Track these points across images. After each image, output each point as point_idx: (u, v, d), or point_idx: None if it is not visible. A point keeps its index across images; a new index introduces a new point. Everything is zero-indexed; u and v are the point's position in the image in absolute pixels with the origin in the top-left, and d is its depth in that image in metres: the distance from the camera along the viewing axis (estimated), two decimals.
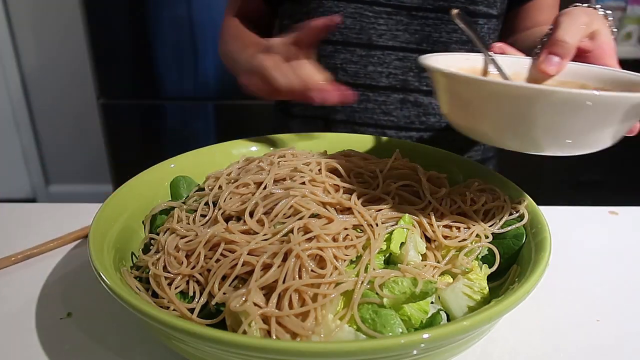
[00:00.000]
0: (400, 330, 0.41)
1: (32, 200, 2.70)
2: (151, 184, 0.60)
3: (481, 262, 0.50)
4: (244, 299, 0.41)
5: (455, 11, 0.59)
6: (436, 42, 0.84)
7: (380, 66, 0.85)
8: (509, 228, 0.52)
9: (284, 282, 0.43)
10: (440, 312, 0.45)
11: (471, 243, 0.50)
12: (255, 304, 0.41)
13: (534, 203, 0.54)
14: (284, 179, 0.54)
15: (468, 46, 0.84)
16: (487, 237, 0.51)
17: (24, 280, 0.60)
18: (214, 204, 0.53)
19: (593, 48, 0.57)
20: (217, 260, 0.46)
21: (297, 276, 0.43)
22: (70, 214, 0.74)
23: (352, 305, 0.42)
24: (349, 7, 0.82)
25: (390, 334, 0.41)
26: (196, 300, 0.45)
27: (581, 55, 0.57)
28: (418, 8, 0.81)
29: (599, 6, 0.61)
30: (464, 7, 0.81)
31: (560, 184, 2.17)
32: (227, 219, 0.51)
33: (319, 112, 0.92)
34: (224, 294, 0.44)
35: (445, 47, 0.84)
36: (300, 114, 0.96)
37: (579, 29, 0.55)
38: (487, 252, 0.51)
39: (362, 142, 0.71)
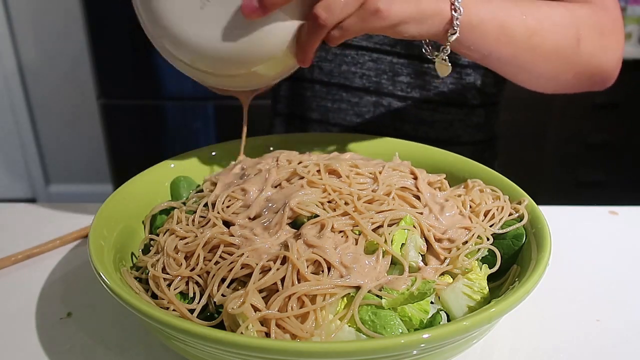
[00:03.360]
0: (401, 330, 0.41)
1: (32, 200, 2.70)
2: (151, 184, 0.60)
3: (481, 263, 0.50)
4: (241, 300, 0.41)
5: None
6: (410, 46, 0.82)
7: (354, 66, 0.85)
8: (509, 228, 0.52)
9: (282, 285, 0.43)
10: (440, 312, 0.45)
11: (472, 245, 0.50)
12: (253, 307, 0.41)
13: (534, 203, 0.54)
14: (286, 180, 0.54)
15: (446, 51, 0.80)
16: (488, 238, 0.51)
17: (24, 280, 0.60)
18: (213, 206, 0.53)
19: None
20: (216, 263, 0.46)
21: (295, 279, 0.43)
22: (70, 214, 0.74)
23: (352, 305, 0.42)
24: None
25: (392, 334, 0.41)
26: (196, 301, 0.45)
27: None
28: None
29: None
30: None
31: (560, 184, 2.18)
32: (227, 221, 0.51)
33: (297, 110, 0.91)
34: (223, 295, 0.44)
35: (420, 51, 0.79)
36: (281, 112, 0.95)
37: None
38: (487, 253, 0.51)
39: (363, 141, 0.71)
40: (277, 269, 0.43)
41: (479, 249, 0.49)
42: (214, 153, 0.67)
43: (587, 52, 0.62)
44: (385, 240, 0.46)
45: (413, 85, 0.85)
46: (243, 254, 0.45)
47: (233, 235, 0.47)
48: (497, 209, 0.54)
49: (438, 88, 0.83)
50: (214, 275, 0.45)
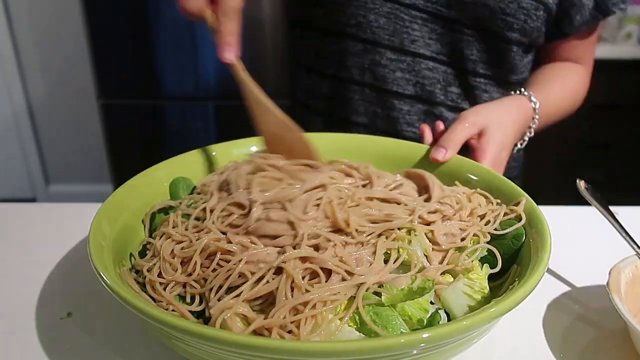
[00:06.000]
0: (402, 330, 0.41)
1: (32, 200, 2.70)
2: (151, 184, 0.60)
3: (481, 263, 0.50)
4: (227, 315, 0.42)
5: (582, 185, 0.64)
6: (467, 60, 0.83)
7: (409, 73, 0.84)
8: (510, 229, 0.52)
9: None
10: (439, 311, 0.45)
11: (471, 243, 0.50)
12: (243, 315, 0.42)
13: (534, 203, 0.54)
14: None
15: (496, 69, 0.83)
16: (485, 236, 0.51)
17: (24, 280, 0.60)
18: (211, 212, 0.52)
19: (476, 147, 0.69)
20: (214, 270, 0.46)
21: (289, 291, 0.43)
22: (70, 214, 0.74)
23: (355, 302, 0.42)
24: (385, 5, 0.80)
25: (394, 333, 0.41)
26: (195, 304, 0.45)
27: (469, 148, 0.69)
28: (454, 21, 0.80)
29: (531, 94, 0.78)
30: (501, 31, 0.79)
31: (560, 184, 2.17)
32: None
33: (340, 111, 0.91)
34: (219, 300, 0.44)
35: (475, 65, 0.83)
36: (322, 112, 0.94)
37: (464, 129, 0.67)
38: (486, 253, 0.51)
39: (361, 142, 0.70)
40: (272, 279, 0.44)
41: (477, 249, 0.49)
42: (214, 153, 0.67)
43: (581, 101, 0.93)
44: (399, 249, 0.46)
45: (463, 97, 0.87)
46: (241, 260, 0.45)
47: (231, 242, 0.47)
48: (491, 211, 0.55)
49: (486, 102, 0.84)
50: (211, 282, 0.45)
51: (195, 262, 0.47)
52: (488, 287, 0.47)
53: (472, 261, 0.49)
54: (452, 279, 0.48)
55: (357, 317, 0.42)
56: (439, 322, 0.43)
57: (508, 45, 0.81)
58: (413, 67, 0.84)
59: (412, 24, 0.81)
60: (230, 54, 0.58)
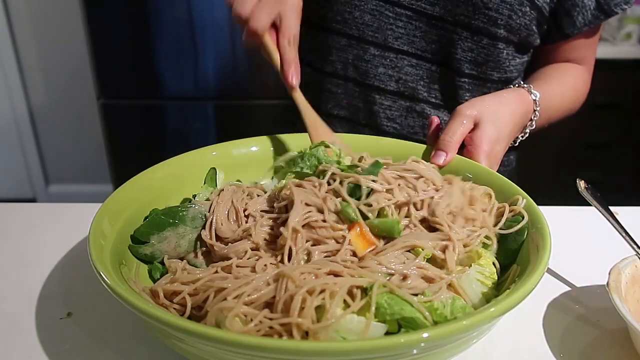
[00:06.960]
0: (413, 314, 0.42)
1: (32, 200, 2.70)
2: (151, 184, 0.60)
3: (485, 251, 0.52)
4: (227, 316, 0.42)
5: (582, 185, 0.64)
6: (451, 57, 0.83)
7: (392, 69, 0.85)
8: (514, 229, 0.52)
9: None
10: (457, 300, 0.45)
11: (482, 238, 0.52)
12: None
13: (534, 203, 0.54)
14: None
15: (482, 68, 0.84)
16: (495, 236, 0.53)
17: (24, 280, 0.60)
18: None
19: (469, 142, 0.68)
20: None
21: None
22: (70, 214, 0.74)
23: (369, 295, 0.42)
24: (370, 2, 0.81)
25: (408, 315, 0.42)
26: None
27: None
28: (438, 18, 0.80)
29: (531, 86, 0.77)
30: (485, 27, 0.79)
31: (560, 184, 2.18)
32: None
33: (323, 105, 0.91)
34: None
35: (459, 65, 0.83)
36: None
37: (460, 126, 0.67)
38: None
39: (361, 142, 0.70)
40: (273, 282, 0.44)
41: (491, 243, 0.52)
42: (214, 153, 0.67)
43: (583, 100, 0.93)
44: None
45: (447, 96, 0.86)
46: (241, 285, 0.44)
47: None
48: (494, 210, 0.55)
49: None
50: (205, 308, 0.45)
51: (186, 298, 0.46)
52: (496, 273, 0.49)
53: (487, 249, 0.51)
54: (459, 267, 0.49)
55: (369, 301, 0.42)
56: (460, 308, 0.44)
57: (494, 42, 0.81)
58: (396, 64, 0.84)
59: (397, 21, 0.82)
60: (295, 80, 0.67)
